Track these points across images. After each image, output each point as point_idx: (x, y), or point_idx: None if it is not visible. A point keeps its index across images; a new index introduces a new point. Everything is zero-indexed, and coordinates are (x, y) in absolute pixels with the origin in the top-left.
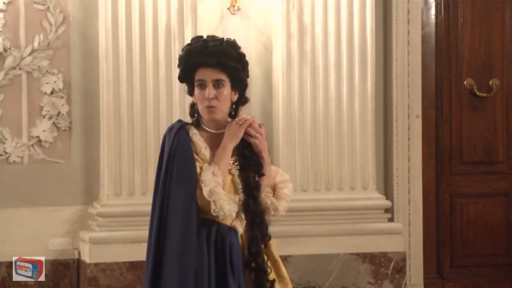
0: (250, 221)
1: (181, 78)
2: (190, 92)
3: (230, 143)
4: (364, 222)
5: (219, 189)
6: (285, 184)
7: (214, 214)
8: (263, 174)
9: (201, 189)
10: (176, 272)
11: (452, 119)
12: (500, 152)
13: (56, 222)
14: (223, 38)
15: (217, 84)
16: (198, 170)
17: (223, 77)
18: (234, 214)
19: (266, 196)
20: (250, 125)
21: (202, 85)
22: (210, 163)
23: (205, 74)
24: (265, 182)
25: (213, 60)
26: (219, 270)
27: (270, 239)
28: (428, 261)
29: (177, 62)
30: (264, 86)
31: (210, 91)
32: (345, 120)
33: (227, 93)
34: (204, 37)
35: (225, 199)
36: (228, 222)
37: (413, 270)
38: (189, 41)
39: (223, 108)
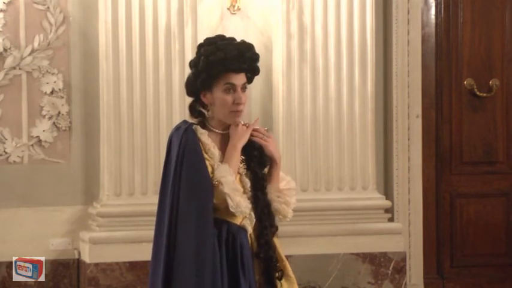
0: (259, 213)
1: (205, 82)
2: (197, 93)
3: (239, 142)
4: (364, 222)
5: (237, 186)
6: (291, 192)
7: (232, 210)
8: (266, 165)
9: (216, 187)
10: (194, 272)
11: (452, 119)
12: (500, 152)
13: (56, 222)
14: (245, 41)
15: (244, 88)
16: (209, 168)
17: (246, 80)
18: (248, 211)
19: (277, 201)
20: (256, 129)
21: (231, 89)
22: (217, 162)
23: (237, 78)
24: (274, 185)
25: (246, 65)
26: (230, 270)
27: (277, 229)
28: (428, 261)
29: (177, 61)
30: (264, 86)
31: (242, 96)
32: (345, 120)
33: (246, 95)
34: (223, 39)
35: (242, 196)
36: (237, 221)
37: (413, 270)
38: (189, 41)
39: (244, 111)
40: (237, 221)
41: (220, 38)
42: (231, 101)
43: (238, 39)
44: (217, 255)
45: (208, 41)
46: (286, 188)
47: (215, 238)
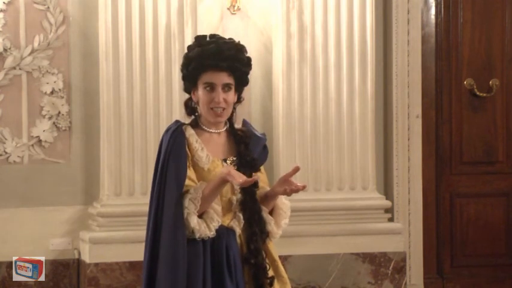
0: (248, 218)
1: (188, 78)
2: (189, 90)
3: (228, 177)
4: (364, 222)
5: (193, 217)
6: (286, 214)
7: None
8: (258, 170)
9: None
10: (168, 274)
11: (452, 119)
12: (500, 152)
13: (56, 222)
14: (233, 40)
15: (226, 87)
16: (200, 171)
17: (231, 80)
18: (207, 235)
19: (268, 222)
20: (296, 187)
21: (211, 88)
22: (205, 164)
23: (216, 77)
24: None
25: (226, 64)
26: (215, 271)
27: (267, 235)
28: (428, 261)
29: (177, 61)
30: (264, 86)
31: (220, 95)
32: (345, 120)
33: (233, 96)
34: (211, 37)
35: (197, 228)
36: (225, 222)
37: (413, 270)
38: (189, 41)
39: (229, 111)
40: (225, 222)
41: (212, 35)
42: (207, 100)
43: (238, 39)
44: (201, 256)
45: (196, 38)
46: (281, 208)
47: (199, 240)
